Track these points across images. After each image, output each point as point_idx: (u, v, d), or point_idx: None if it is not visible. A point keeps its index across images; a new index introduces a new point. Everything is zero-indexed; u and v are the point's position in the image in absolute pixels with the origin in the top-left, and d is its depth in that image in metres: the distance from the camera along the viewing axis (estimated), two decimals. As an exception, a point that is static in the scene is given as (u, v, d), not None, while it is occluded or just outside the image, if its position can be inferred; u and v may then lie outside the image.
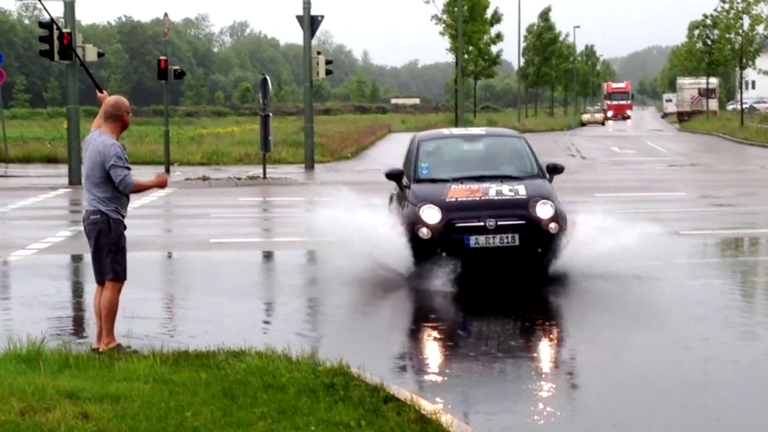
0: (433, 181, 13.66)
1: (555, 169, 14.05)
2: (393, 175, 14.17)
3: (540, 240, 12.63)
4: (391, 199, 14.85)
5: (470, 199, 12.97)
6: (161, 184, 9.70)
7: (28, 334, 9.16)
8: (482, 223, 12.54)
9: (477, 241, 12.53)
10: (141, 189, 9.53)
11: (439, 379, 8.77)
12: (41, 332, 9.54)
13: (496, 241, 12.52)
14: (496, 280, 12.76)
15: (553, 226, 12.67)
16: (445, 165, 14.28)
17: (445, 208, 12.81)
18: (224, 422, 6.71)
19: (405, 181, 13.98)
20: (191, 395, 7.29)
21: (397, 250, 12.74)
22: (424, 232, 12.66)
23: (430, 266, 12.47)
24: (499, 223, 12.54)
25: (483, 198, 12.96)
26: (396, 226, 13.02)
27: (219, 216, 21.79)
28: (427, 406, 7.26)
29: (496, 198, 12.96)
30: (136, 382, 7.62)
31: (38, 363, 8.08)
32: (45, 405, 6.92)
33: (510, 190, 13.09)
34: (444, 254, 12.48)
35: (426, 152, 14.37)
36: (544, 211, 12.76)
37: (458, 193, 13.10)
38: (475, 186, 13.24)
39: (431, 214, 12.75)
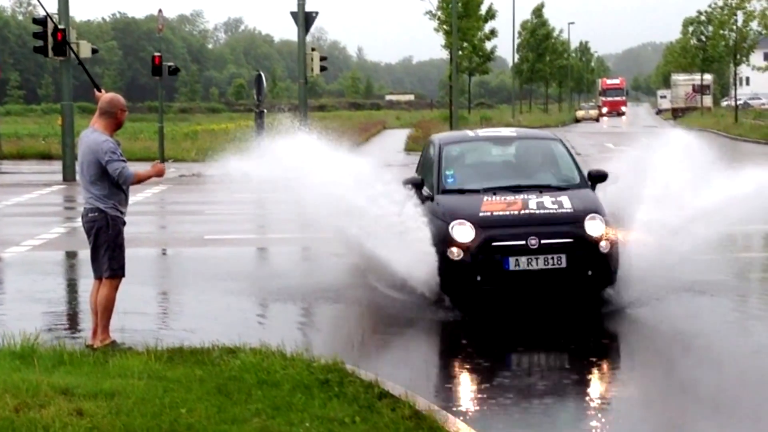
0: (461, 191, 11.93)
1: (599, 177, 12.30)
2: (413, 184, 12.29)
3: (591, 261, 10.99)
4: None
5: (508, 213, 11.25)
6: (159, 173, 9.66)
7: (22, 330, 9.13)
8: (524, 242, 10.87)
9: (518, 262, 10.85)
10: (140, 180, 9.51)
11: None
12: (35, 329, 9.52)
13: (540, 262, 10.86)
14: (537, 308, 11.13)
15: (604, 244, 11.03)
16: (474, 173, 12.53)
17: (480, 224, 11.06)
18: (219, 419, 6.71)
19: (426, 191, 12.18)
20: (186, 392, 7.30)
21: (418, 269, 11.14)
22: (454, 253, 10.95)
23: (460, 292, 11.09)
24: (543, 241, 10.88)
25: (523, 212, 11.24)
26: (413, 240, 11.26)
27: (213, 212, 21.77)
28: (421, 402, 7.27)
29: (538, 212, 11.25)
30: (130, 378, 7.62)
31: (32, 360, 8.09)
32: (39, 401, 6.92)
33: (553, 203, 11.39)
34: (478, 278, 10.91)
35: (450, 158, 12.57)
36: (594, 227, 11.11)
37: (494, 206, 11.34)
38: (512, 198, 11.49)
39: (463, 232, 11.02)
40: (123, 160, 9.16)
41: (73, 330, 10.61)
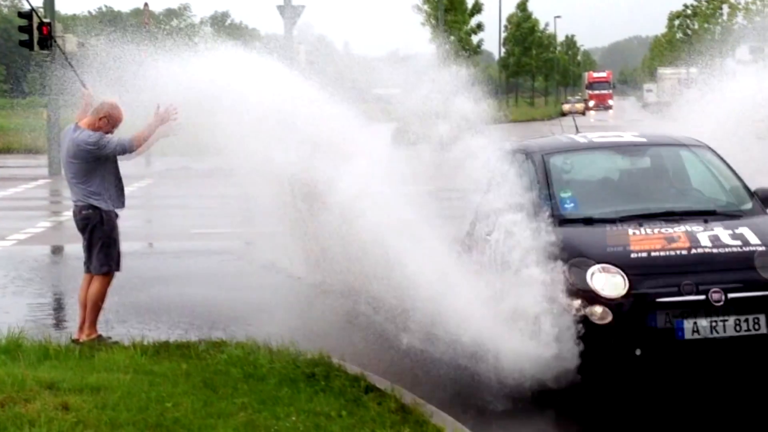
0: (589, 221, 8.43)
1: None
2: None
3: None
4: (470, 235, 9.39)
5: (673, 254, 7.82)
6: (164, 119, 9.06)
7: (7, 325, 9.12)
8: (703, 297, 7.47)
9: (696, 327, 7.46)
10: (144, 138, 9.11)
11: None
12: (21, 323, 9.52)
13: (728, 327, 7.47)
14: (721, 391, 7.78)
15: None
16: (601, 195, 9.04)
17: (634, 271, 7.66)
18: (205, 413, 6.70)
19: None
20: (172, 386, 7.29)
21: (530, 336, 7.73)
22: (597, 314, 7.52)
23: (608, 371, 7.69)
24: (730, 295, 7.49)
25: (694, 251, 7.83)
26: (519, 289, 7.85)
27: (200, 206, 21.72)
28: (407, 396, 7.28)
29: (715, 251, 7.83)
30: (116, 372, 7.61)
31: (18, 354, 8.07)
32: (25, 396, 6.90)
33: (732, 237, 7.97)
34: (638, 351, 7.49)
35: (563, 174, 9.10)
36: None
37: (648, 243, 7.91)
38: (669, 230, 8.06)
39: (610, 283, 7.59)
40: (110, 138, 9.04)
41: (59, 324, 10.60)
